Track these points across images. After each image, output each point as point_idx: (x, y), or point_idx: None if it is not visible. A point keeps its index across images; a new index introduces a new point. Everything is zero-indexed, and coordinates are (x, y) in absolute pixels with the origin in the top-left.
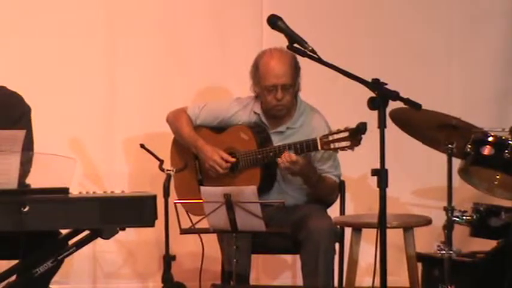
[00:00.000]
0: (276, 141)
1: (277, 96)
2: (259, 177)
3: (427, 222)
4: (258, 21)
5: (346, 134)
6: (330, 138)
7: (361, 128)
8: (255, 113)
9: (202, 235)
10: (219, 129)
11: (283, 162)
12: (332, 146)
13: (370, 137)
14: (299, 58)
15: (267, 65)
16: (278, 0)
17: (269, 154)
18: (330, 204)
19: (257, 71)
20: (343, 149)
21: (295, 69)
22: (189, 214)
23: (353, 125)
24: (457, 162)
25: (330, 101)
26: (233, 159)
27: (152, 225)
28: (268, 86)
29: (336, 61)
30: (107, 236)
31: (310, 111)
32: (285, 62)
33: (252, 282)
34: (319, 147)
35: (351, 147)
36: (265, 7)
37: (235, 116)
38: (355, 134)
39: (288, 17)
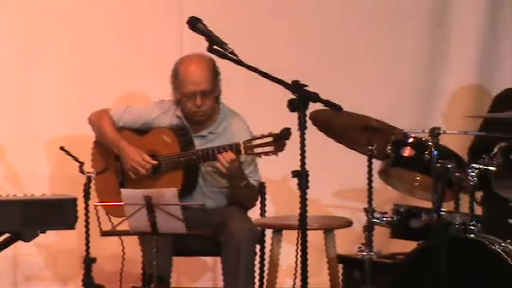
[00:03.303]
0: (198, 145)
1: (196, 103)
2: (181, 180)
3: (348, 224)
4: (178, 23)
5: (270, 139)
6: (254, 143)
7: (285, 134)
8: (177, 116)
9: (123, 237)
10: (141, 131)
11: (224, 162)
12: (255, 150)
13: (291, 139)
14: (221, 61)
15: (186, 72)
16: (199, 1)
17: (192, 157)
18: (248, 209)
19: (176, 78)
20: (266, 154)
21: (215, 74)
22: (110, 216)
23: (276, 130)
24: (377, 164)
25: (251, 103)
26: (154, 162)
27: (73, 227)
28: (187, 93)
29: (256, 63)
30: (28, 239)
31: (231, 116)
32: (203, 67)
33: (173, 284)
34: (243, 152)
35: (275, 153)
36: (185, 9)
37: (157, 118)
38: (279, 140)
39: (209, 19)
